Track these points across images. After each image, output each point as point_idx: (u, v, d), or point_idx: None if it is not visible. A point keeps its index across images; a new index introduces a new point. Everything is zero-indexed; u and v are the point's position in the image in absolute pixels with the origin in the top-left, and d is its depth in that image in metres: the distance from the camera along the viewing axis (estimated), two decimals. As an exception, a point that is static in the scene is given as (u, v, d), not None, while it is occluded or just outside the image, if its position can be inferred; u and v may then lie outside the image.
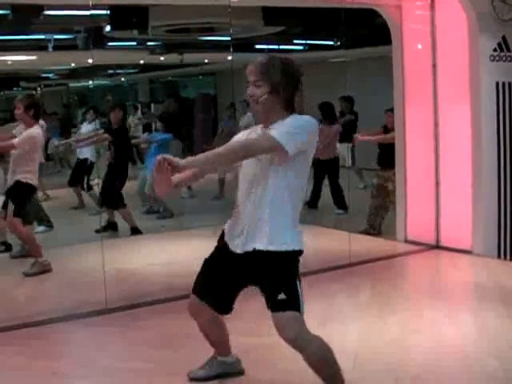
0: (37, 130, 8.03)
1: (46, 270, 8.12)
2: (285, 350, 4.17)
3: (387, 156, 9.39)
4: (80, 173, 12.26)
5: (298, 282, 4.08)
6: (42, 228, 10.32)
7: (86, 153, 12.27)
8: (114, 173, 10.27)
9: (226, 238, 4.29)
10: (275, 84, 4.00)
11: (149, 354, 5.51)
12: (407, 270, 8.34)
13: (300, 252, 4.10)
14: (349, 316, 6.09)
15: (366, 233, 9.71)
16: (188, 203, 12.60)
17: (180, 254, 8.95)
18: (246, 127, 4.98)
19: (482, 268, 7.78)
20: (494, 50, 7.92)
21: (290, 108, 4.07)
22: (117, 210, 10.27)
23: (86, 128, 12.77)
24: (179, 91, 22.30)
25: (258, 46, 15.77)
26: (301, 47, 15.31)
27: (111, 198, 10.17)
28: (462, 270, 7.92)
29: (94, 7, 7.95)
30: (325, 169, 11.27)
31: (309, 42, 14.85)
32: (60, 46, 13.32)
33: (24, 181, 8.00)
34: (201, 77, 27.09)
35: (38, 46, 13.41)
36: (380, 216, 9.80)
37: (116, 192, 10.20)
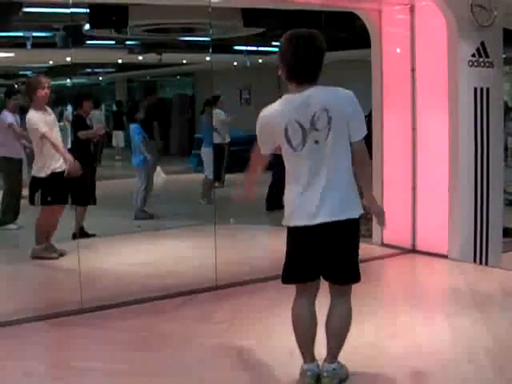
0: None
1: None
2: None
3: None
4: None
5: None
6: (13, 226, 10.26)
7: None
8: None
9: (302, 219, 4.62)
10: None
11: (124, 354, 5.48)
12: (383, 274, 8.33)
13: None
14: (324, 320, 6.07)
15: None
16: (163, 204, 12.54)
17: (155, 255, 8.89)
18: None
19: (458, 273, 7.80)
20: (473, 55, 7.95)
21: None
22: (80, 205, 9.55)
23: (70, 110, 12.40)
24: (157, 91, 22.23)
25: (237, 47, 15.79)
26: (281, 49, 15.32)
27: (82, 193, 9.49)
28: (437, 274, 7.94)
29: (74, 5, 7.92)
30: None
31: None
32: (38, 44, 13.27)
33: None
34: (179, 77, 27.10)
35: (16, 44, 13.36)
36: None
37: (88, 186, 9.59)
